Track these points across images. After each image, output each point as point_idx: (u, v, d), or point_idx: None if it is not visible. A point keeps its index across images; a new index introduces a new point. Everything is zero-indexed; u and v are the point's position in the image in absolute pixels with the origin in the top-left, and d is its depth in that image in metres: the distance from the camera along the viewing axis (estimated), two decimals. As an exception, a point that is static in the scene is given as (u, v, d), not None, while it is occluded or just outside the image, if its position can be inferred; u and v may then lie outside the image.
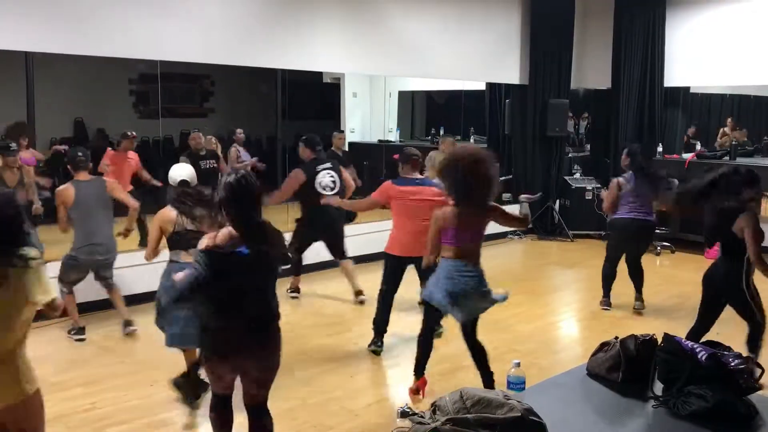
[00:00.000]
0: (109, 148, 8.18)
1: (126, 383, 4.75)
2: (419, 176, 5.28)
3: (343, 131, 9.12)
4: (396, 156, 5.61)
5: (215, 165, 8.06)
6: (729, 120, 11.25)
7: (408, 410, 1.98)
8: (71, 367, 5.04)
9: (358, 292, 6.61)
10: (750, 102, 12.03)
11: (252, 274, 3.01)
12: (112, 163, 7.81)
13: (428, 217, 4.51)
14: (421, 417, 1.96)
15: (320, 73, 10.72)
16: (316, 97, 12.20)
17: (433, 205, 4.74)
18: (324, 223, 6.54)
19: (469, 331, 4.24)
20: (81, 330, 5.63)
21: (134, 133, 8.18)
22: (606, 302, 6.53)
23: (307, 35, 7.83)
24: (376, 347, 5.32)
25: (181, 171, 4.47)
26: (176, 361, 4.55)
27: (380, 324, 5.36)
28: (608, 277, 6.53)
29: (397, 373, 5.11)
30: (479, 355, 4.25)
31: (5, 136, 7.85)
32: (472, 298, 3.97)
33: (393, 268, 5.25)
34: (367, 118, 12.20)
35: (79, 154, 5.59)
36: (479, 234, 4.07)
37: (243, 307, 3.02)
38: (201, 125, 10.92)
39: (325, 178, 6.45)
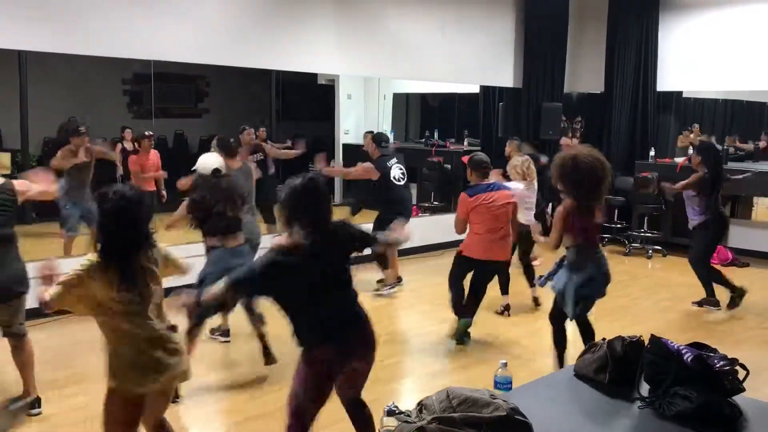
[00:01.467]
0: (132, 155, 8.24)
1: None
2: (488, 181, 5.41)
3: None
4: (464, 159, 5.76)
5: (263, 158, 8.18)
6: (696, 126, 11.28)
7: (394, 409, 1.98)
8: (63, 366, 5.03)
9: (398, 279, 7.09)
10: (743, 107, 12.08)
11: (322, 277, 2.95)
12: (136, 165, 7.90)
13: (503, 221, 5.24)
14: (408, 416, 1.97)
15: (315, 75, 10.72)
16: (310, 99, 12.20)
17: (508, 209, 5.33)
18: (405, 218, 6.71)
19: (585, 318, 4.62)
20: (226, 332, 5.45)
21: (151, 133, 8.21)
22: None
23: (302, 37, 7.84)
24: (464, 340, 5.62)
25: (211, 159, 4.63)
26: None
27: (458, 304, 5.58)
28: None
29: (386, 373, 5.12)
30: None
31: (59, 132, 8.43)
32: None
33: (465, 269, 5.51)
34: (362, 120, 12.18)
35: (232, 140, 5.48)
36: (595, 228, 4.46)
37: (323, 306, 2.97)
38: (195, 126, 10.93)
39: (396, 171, 6.77)
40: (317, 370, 3.00)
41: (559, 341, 4.67)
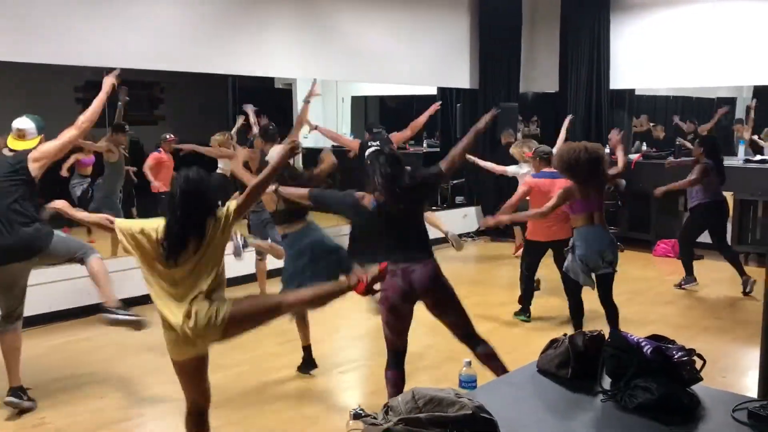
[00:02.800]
0: (154, 152, 8.61)
1: (75, 397, 4.65)
2: (549, 169, 6.02)
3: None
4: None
5: None
6: (644, 116, 11.51)
7: (361, 412, 1.98)
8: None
9: None
10: (692, 103, 12.37)
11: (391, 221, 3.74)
12: (158, 164, 8.32)
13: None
14: (374, 418, 1.97)
15: (272, 79, 10.66)
16: (268, 103, 12.11)
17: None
18: None
19: (603, 292, 5.26)
20: None
21: (171, 136, 8.63)
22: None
23: (258, 41, 7.79)
24: (525, 318, 6.37)
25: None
26: (126, 374, 4.48)
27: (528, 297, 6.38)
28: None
29: (351, 378, 5.12)
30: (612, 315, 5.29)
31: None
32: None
33: (538, 255, 6.30)
34: (320, 124, 12.14)
35: (270, 127, 6.37)
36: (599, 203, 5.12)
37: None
38: (151, 133, 10.75)
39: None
40: None
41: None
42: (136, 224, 3.11)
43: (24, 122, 4.40)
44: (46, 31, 6.18)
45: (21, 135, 4.36)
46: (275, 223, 4.97)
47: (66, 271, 6.02)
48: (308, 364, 5.00)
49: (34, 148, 4.36)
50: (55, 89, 9.93)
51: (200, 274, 3.05)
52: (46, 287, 6.02)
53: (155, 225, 3.06)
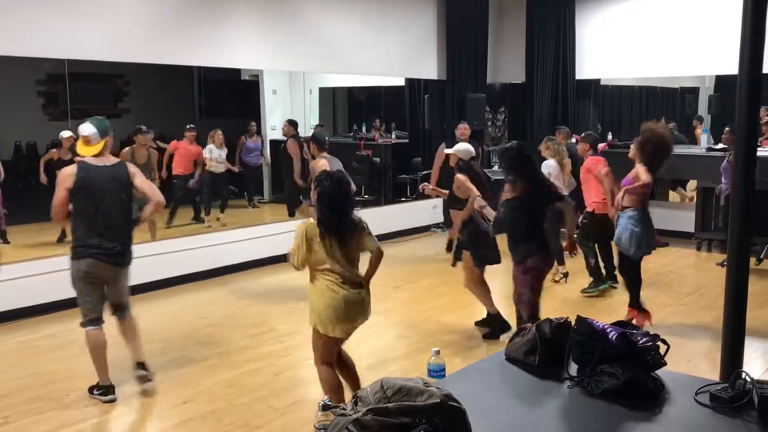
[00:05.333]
0: (175, 141, 9.19)
1: (40, 395, 4.57)
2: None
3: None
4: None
5: None
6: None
7: (329, 403, 1.97)
8: None
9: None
10: (657, 93, 12.55)
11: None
12: (179, 151, 9.06)
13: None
14: (343, 409, 1.96)
15: (238, 70, 10.55)
16: (234, 95, 12.01)
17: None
18: None
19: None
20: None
21: (192, 126, 9.30)
22: None
23: (223, 31, 7.69)
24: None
25: (467, 147, 5.80)
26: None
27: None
28: None
29: (323, 370, 5.10)
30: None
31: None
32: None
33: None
34: (288, 115, 12.08)
35: (326, 138, 6.63)
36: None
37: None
38: (116, 126, 10.61)
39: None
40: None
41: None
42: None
43: (87, 128, 4.44)
44: (5, 23, 6.02)
45: (87, 141, 4.43)
46: (448, 205, 5.91)
47: (29, 268, 5.92)
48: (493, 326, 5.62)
49: (101, 152, 4.46)
50: (14, 82, 9.71)
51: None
52: (9, 284, 5.91)
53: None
